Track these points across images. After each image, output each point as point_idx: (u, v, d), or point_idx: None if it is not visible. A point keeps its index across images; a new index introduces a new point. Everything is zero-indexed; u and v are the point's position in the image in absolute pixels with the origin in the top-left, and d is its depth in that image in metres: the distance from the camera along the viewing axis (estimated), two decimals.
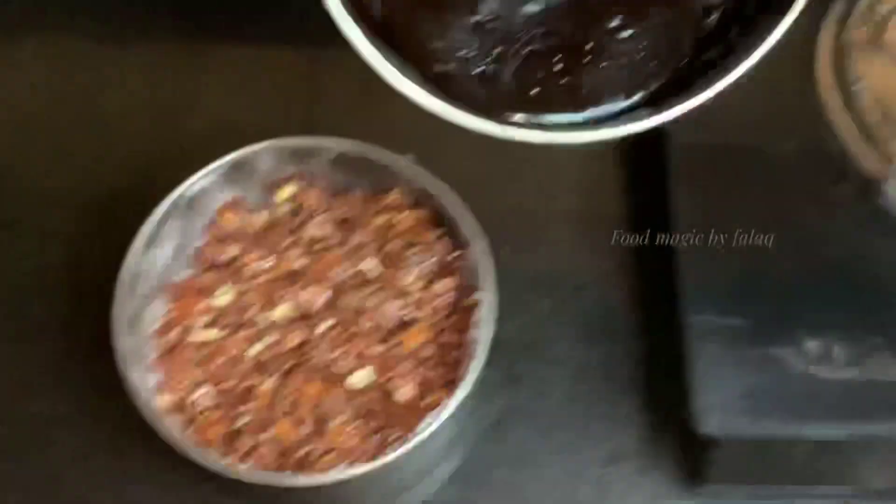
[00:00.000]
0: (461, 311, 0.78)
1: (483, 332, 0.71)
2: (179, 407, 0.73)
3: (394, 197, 0.84)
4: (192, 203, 0.78)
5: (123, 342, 0.69)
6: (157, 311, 0.77)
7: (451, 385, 0.73)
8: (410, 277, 0.80)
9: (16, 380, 0.82)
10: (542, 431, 0.81)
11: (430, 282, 0.80)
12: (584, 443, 0.81)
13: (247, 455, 0.71)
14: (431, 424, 0.67)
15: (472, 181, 0.79)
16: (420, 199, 0.82)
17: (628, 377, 0.85)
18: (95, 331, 0.74)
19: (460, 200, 0.77)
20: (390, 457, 0.66)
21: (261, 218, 0.83)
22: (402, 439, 0.70)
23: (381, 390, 0.74)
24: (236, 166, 0.79)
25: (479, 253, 0.75)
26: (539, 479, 0.80)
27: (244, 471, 0.68)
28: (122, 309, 0.71)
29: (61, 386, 0.82)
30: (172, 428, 0.68)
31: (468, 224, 0.76)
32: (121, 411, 0.71)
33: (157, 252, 0.76)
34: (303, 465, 0.71)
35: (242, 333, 0.76)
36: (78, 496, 0.78)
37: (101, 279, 0.75)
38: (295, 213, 0.84)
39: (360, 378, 0.75)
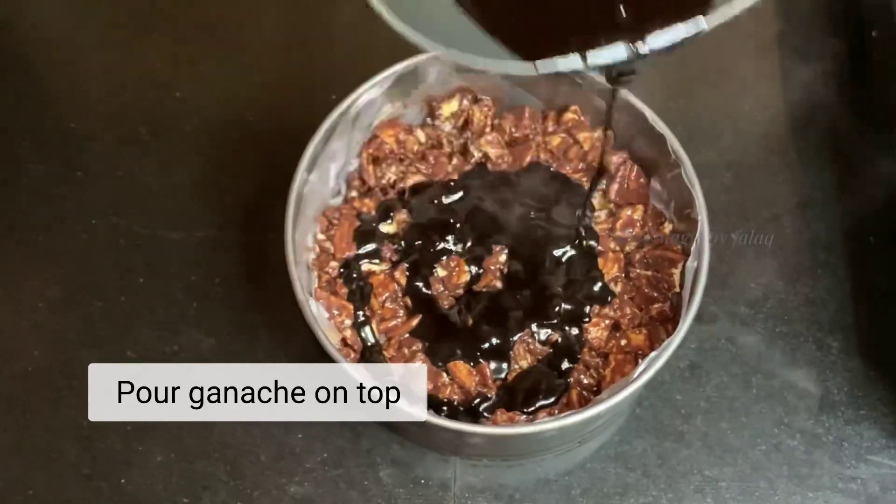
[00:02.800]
0: (654, 241, 0.78)
1: (703, 263, 0.70)
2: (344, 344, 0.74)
3: (572, 115, 0.83)
4: (357, 118, 0.78)
5: (297, 272, 0.70)
6: (319, 237, 0.78)
7: (653, 322, 0.74)
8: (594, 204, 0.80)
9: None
10: (742, 377, 0.80)
11: (617, 209, 0.80)
12: (789, 390, 0.80)
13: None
14: (657, 360, 0.66)
15: (652, 95, 0.77)
16: (601, 118, 0.81)
17: (835, 317, 0.83)
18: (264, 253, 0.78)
19: (659, 118, 0.75)
20: (615, 398, 0.66)
21: (422, 136, 0.83)
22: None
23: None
24: (401, 79, 0.78)
25: (690, 176, 0.74)
26: (741, 428, 0.79)
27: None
28: (291, 233, 0.71)
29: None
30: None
31: (674, 144, 0.75)
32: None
33: (320, 172, 0.77)
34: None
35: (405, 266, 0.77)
36: None
37: (266, 199, 0.78)
38: (460, 131, 0.84)
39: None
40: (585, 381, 0.73)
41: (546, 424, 0.64)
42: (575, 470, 0.75)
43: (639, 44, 0.48)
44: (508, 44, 0.52)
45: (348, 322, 0.74)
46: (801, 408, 0.79)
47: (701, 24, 0.48)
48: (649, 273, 0.77)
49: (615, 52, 0.48)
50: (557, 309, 0.75)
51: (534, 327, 0.75)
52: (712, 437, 0.77)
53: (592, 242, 0.78)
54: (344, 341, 0.74)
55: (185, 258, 0.83)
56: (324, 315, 0.72)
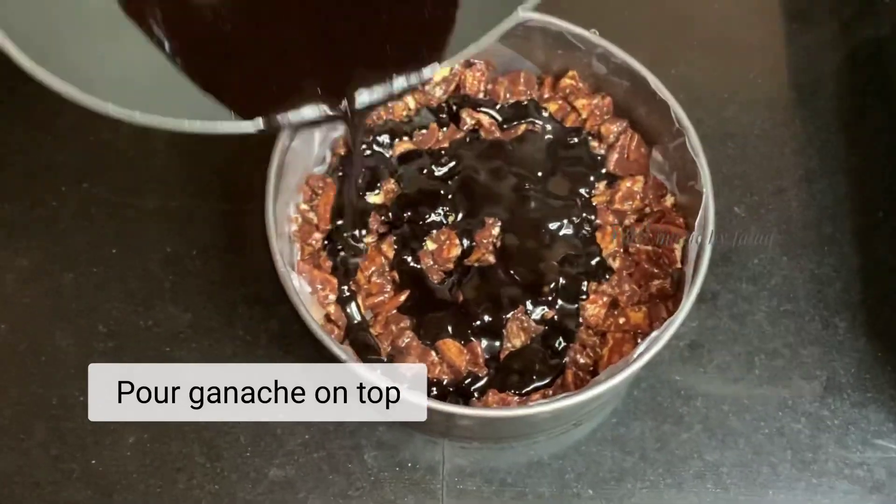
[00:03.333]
0: (655, 215, 0.75)
1: (707, 238, 0.67)
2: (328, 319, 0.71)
3: (569, 80, 0.79)
4: None
5: (279, 244, 0.67)
6: (302, 207, 0.75)
7: (653, 299, 0.71)
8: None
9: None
10: (745, 357, 0.78)
11: (615, 180, 0.77)
12: (793, 371, 0.77)
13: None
14: (657, 341, 0.63)
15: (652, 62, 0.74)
16: (601, 85, 0.77)
17: (842, 294, 0.80)
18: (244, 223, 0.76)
19: (662, 85, 0.71)
20: (614, 380, 0.62)
21: (411, 102, 0.80)
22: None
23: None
24: None
25: (694, 145, 0.70)
26: (743, 410, 0.76)
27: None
28: (272, 204, 0.68)
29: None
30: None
31: (677, 112, 0.71)
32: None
33: (304, 139, 0.73)
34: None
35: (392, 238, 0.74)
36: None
37: (245, 166, 0.76)
38: (451, 96, 0.81)
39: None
40: (582, 361, 0.71)
41: (539, 408, 0.62)
42: (569, 453, 0.73)
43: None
44: (227, 101, 0.49)
45: (332, 297, 0.71)
46: (806, 390, 0.76)
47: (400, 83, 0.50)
48: (649, 248, 0.74)
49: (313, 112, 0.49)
50: (553, 285, 0.72)
51: (528, 304, 0.72)
52: (713, 419, 0.75)
53: (590, 216, 0.75)
54: (328, 317, 0.71)
55: (160, 228, 0.80)
56: (307, 290, 0.69)
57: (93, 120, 0.80)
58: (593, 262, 0.74)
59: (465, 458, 0.72)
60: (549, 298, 0.72)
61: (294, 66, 0.51)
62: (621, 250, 0.74)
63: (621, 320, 0.72)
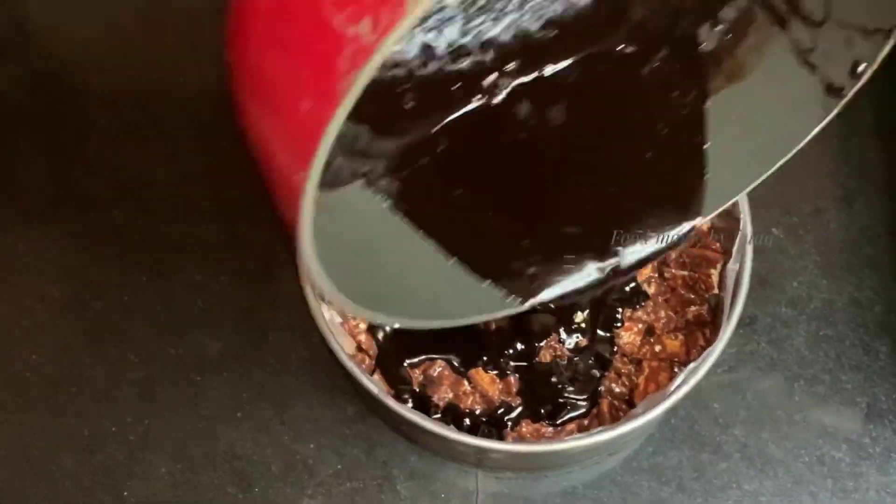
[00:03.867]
0: (690, 240, 0.71)
1: (745, 266, 0.65)
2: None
3: None
4: None
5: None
6: None
7: (690, 326, 0.70)
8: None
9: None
10: (784, 383, 0.76)
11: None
12: (834, 397, 0.76)
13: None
14: (696, 372, 0.62)
15: None
16: None
17: (883, 318, 0.78)
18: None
19: None
20: (651, 413, 0.61)
21: None
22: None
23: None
24: None
25: None
26: (783, 438, 0.74)
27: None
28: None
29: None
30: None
31: None
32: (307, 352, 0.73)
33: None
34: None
35: None
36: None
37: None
38: None
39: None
40: (617, 390, 0.70)
41: (574, 442, 0.61)
42: (604, 483, 0.72)
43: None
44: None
45: (363, 326, 0.70)
46: (847, 416, 0.74)
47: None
48: (685, 273, 0.72)
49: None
50: (586, 312, 0.71)
51: (561, 332, 0.71)
52: (752, 448, 0.73)
53: None
54: (359, 346, 0.70)
55: (190, 254, 0.80)
56: (337, 320, 0.68)
57: (120, 146, 0.81)
58: (628, 289, 0.72)
59: (499, 488, 0.72)
60: (583, 326, 0.71)
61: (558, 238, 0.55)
62: (656, 275, 0.73)
63: (657, 348, 0.70)
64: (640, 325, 0.71)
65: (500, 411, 0.69)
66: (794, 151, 0.53)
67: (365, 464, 0.72)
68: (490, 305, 0.54)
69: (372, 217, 0.51)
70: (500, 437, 0.67)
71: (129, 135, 0.85)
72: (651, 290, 0.72)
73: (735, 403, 0.74)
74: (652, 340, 0.71)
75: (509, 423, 0.68)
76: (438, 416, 0.67)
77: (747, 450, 0.73)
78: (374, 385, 0.62)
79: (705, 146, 0.55)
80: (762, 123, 0.56)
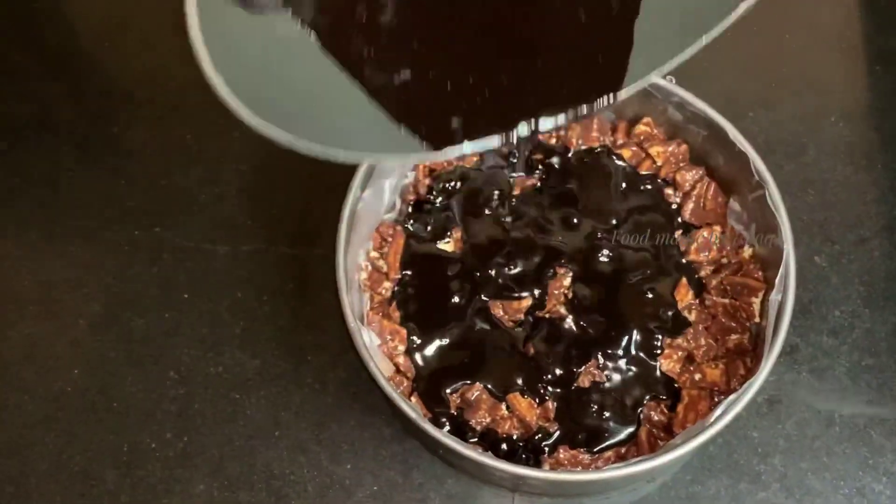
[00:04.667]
0: (732, 267, 0.73)
1: (788, 297, 0.65)
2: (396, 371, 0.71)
3: (644, 127, 0.78)
4: None
5: (348, 296, 0.66)
6: (372, 255, 0.75)
7: (731, 354, 0.70)
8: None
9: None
10: (824, 414, 0.75)
11: (691, 230, 0.75)
12: (875, 429, 0.75)
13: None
14: (736, 403, 0.62)
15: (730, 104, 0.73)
16: (677, 131, 0.76)
17: None
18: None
19: (741, 135, 0.70)
20: (690, 444, 0.61)
21: None
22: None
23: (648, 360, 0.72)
24: None
25: (775, 200, 0.69)
26: (822, 469, 0.74)
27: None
28: (343, 256, 0.67)
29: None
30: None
31: (757, 164, 0.70)
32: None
33: (375, 189, 0.73)
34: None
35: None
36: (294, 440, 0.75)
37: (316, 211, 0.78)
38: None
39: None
40: (656, 419, 0.69)
41: (612, 472, 0.61)
42: None
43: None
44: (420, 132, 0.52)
45: (401, 348, 0.71)
46: (888, 448, 0.74)
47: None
48: (726, 301, 0.72)
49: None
50: (627, 338, 0.70)
51: (601, 358, 0.70)
52: (791, 478, 0.73)
53: (666, 266, 0.74)
54: (397, 368, 0.70)
55: (230, 273, 0.80)
56: (375, 342, 0.69)
57: (165, 165, 0.82)
58: (668, 315, 0.72)
59: None
60: (623, 352, 0.71)
61: (478, 96, 0.53)
62: (697, 303, 0.72)
63: (697, 376, 0.70)
64: (681, 353, 0.71)
65: (537, 437, 0.68)
66: (717, 33, 0.52)
67: (401, 486, 0.72)
68: (400, 147, 0.53)
69: (293, 41, 0.49)
70: (538, 463, 0.67)
71: (173, 153, 0.86)
72: (692, 317, 0.72)
73: (775, 433, 0.74)
74: (692, 368, 0.70)
75: (546, 449, 0.68)
76: (476, 440, 0.67)
77: (786, 480, 0.72)
78: (412, 409, 0.62)
79: (636, 20, 0.54)
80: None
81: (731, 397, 0.61)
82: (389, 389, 0.61)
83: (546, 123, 0.53)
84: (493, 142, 0.53)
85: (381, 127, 0.51)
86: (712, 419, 0.62)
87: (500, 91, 0.52)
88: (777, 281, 0.66)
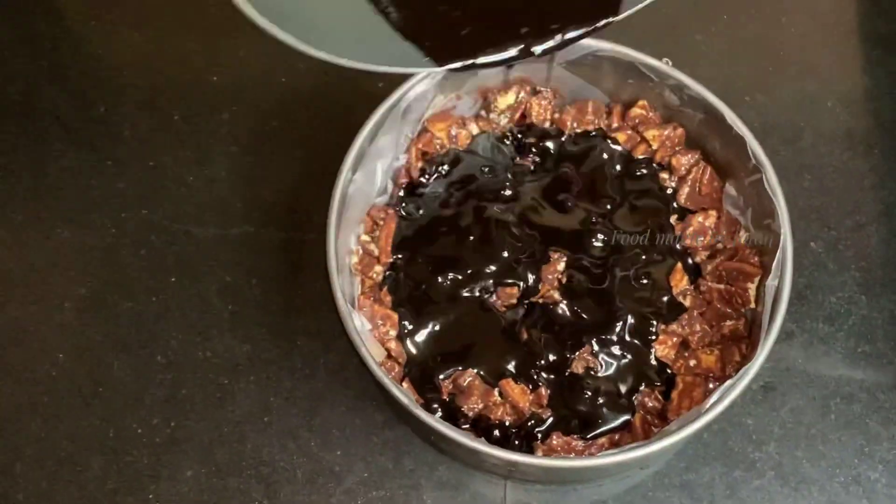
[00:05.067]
0: (728, 252, 0.73)
1: (785, 282, 0.64)
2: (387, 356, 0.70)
3: (639, 110, 0.77)
4: (406, 112, 0.73)
5: (339, 279, 0.66)
6: (363, 239, 0.74)
7: (726, 340, 0.69)
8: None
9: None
10: (820, 401, 0.75)
11: (686, 215, 0.75)
12: (870, 417, 0.74)
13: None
14: (732, 390, 0.62)
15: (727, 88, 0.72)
16: (673, 115, 0.75)
17: None
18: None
19: (738, 119, 0.70)
20: (685, 431, 0.61)
21: (475, 129, 0.79)
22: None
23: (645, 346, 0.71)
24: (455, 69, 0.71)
25: (773, 184, 0.68)
26: (818, 457, 0.74)
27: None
28: (334, 240, 0.66)
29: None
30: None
31: (754, 148, 0.69)
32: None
33: (366, 171, 0.72)
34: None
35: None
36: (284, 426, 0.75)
37: (307, 194, 0.77)
38: (516, 124, 0.79)
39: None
40: (650, 405, 0.69)
41: (606, 458, 0.61)
42: (635, 498, 0.71)
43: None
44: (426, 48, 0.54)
45: (393, 333, 0.70)
46: (884, 436, 0.73)
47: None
48: (722, 287, 0.71)
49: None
50: (620, 324, 0.70)
51: (594, 344, 0.69)
52: (786, 466, 0.72)
53: (660, 251, 0.73)
54: (388, 353, 0.69)
55: (219, 257, 0.80)
56: (367, 327, 0.68)
57: (153, 146, 0.81)
58: (663, 301, 0.71)
59: (528, 499, 0.71)
60: (617, 338, 0.70)
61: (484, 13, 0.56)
62: (692, 288, 0.72)
63: (692, 363, 0.70)
64: (675, 339, 0.70)
65: (530, 423, 0.68)
66: None
67: (392, 472, 0.71)
68: (404, 61, 0.55)
69: None
70: (531, 449, 0.66)
71: (162, 135, 0.85)
72: (687, 302, 0.71)
73: (770, 420, 0.73)
74: (687, 355, 0.70)
75: (539, 435, 0.67)
76: (468, 426, 0.66)
77: (781, 468, 0.72)
78: (404, 395, 0.61)
79: None
80: None
81: (727, 384, 0.61)
82: (381, 374, 0.61)
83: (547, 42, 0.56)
84: (511, 51, 0.56)
85: (389, 43, 0.52)
86: (707, 406, 0.61)
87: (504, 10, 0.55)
88: (774, 266, 0.65)
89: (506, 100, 0.77)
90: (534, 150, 0.77)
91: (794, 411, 0.74)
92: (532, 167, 0.76)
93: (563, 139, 0.77)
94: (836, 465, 0.72)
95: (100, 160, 0.84)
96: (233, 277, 0.78)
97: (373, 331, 0.69)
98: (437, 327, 0.70)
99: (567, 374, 0.69)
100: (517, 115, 0.78)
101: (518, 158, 0.76)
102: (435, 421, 0.60)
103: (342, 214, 0.68)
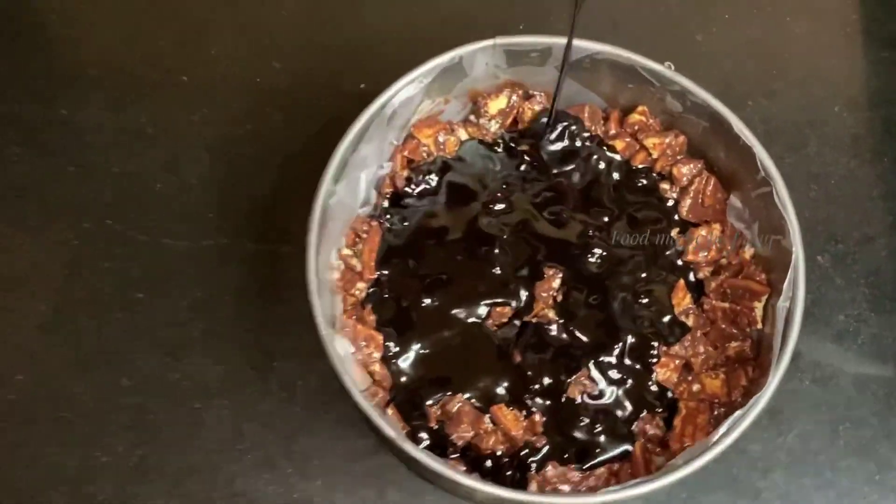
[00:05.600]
0: (733, 269, 0.70)
1: (797, 304, 0.61)
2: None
3: (639, 116, 0.73)
4: (392, 118, 0.69)
5: (320, 299, 0.62)
6: (345, 253, 0.70)
7: (731, 363, 0.66)
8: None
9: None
10: (829, 425, 0.72)
11: (688, 228, 0.72)
12: (882, 443, 0.72)
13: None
14: (741, 421, 0.59)
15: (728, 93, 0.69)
16: (675, 122, 0.72)
17: None
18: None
19: (746, 127, 0.66)
20: (691, 466, 0.58)
21: (464, 135, 0.75)
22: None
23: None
24: (444, 72, 0.69)
25: (783, 198, 0.65)
26: (826, 486, 0.71)
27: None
28: (314, 257, 0.62)
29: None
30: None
31: (763, 159, 0.66)
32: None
33: (349, 181, 0.68)
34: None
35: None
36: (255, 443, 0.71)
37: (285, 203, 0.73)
38: (508, 130, 0.75)
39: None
40: (651, 432, 0.66)
41: (606, 496, 0.58)
42: None
43: None
44: None
45: (377, 355, 0.66)
46: None
47: None
48: (726, 305, 0.68)
49: None
50: (620, 346, 0.67)
51: (592, 367, 0.66)
52: (794, 495, 0.70)
53: (661, 268, 0.70)
54: (372, 377, 0.66)
55: (190, 271, 0.75)
56: (349, 350, 0.65)
57: (119, 151, 0.76)
58: (664, 320, 0.68)
59: None
60: (616, 361, 0.67)
61: None
62: (695, 307, 0.69)
63: (695, 387, 0.67)
64: (678, 361, 0.67)
65: (523, 452, 0.65)
66: None
67: None
68: None
69: None
70: (524, 480, 0.63)
71: (128, 138, 0.81)
72: (689, 322, 0.68)
73: (776, 446, 0.71)
74: (690, 378, 0.67)
75: (534, 465, 0.64)
76: (457, 455, 0.64)
77: (788, 497, 0.70)
78: (390, 426, 0.58)
79: None
80: None
81: (736, 414, 0.58)
82: (365, 405, 0.58)
83: None
84: None
85: None
86: (716, 438, 0.59)
87: None
88: (785, 287, 0.62)
89: (497, 104, 0.74)
90: (527, 157, 0.73)
91: (802, 437, 0.71)
92: (524, 176, 0.73)
93: (558, 146, 0.74)
94: (846, 493, 0.70)
95: (61, 165, 0.79)
96: (205, 293, 0.75)
97: (355, 353, 0.65)
98: (424, 349, 0.67)
99: (563, 399, 0.66)
100: (509, 121, 0.74)
101: (510, 167, 0.72)
102: (422, 454, 0.57)
103: (323, 228, 0.64)
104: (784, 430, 0.71)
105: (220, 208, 0.78)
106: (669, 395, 0.67)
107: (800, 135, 0.82)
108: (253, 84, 0.83)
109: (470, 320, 0.67)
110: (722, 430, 0.59)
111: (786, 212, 0.64)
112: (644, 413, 0.66)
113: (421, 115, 0.72)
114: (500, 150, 0.74)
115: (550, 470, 0.64)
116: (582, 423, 0.66)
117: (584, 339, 0.67)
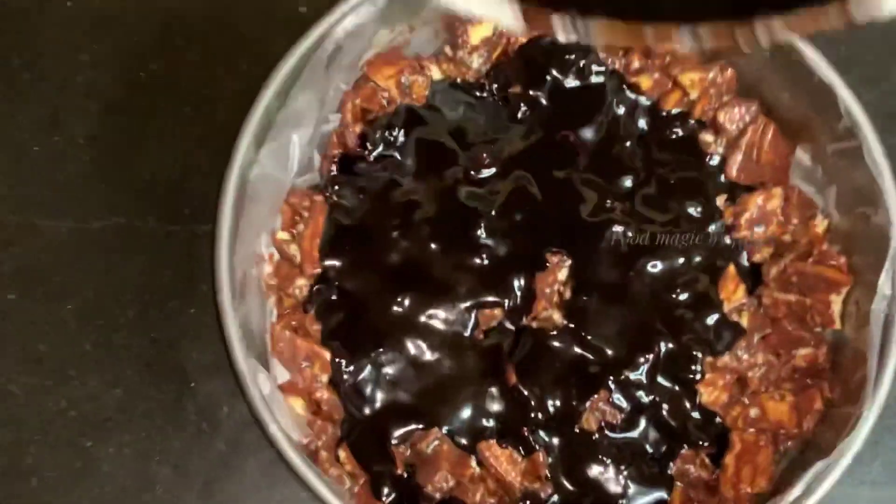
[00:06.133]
0: (801, 248, 0.59)
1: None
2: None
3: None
4: (335, 56, 0.56)
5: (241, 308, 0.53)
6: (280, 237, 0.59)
7: (802, 379, 0.56)
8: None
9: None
10: None
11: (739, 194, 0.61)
12: None
13: None
14: (831, 470, 0.49)
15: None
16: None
17: None
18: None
19: (824, 60, 0.55)
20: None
21: (437, 73, 0.63)
22: None
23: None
24: None
25: (874, 154, 0.54)
26: None
27: None
28: (227, 250, 0.53)
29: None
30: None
31: (846, 100, 0.55)
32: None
33: (277, 145, 0.56)
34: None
35: None
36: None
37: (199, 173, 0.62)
38: (495, 71, 0.62)
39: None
40: (694, 474, 0.55)
41: None
42: None
43: None
44: None
45: (324, 378, 0.56)
46: None
47: None
48: (792, 298, 0.58)
49: None
50: (650, 358, 0.55)
51: (612, 388, 0.56)
52: None
53: (704, 249, 0.59)
54: (318, 406, 0.56)
55: (78, 262, 0.64)
56: (284, 376, 0.55)
57: None
58: (710, 322, 0.57)
59: None
60: (645, 379, 0.56)
61: None
62: (750, 301, 0.58)
63: (753, 412, 0.56)
64: (728, 377, 0.57)
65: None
66: None
67: None
68: None
69: None
70: None
71: None
72: (744, 322, 0.58)
73: (858, 492, 0.58)
74: (746, 400, 0.57)
75: None
76: None
77: None
78: (332, 490, 0.49)
79: None
80: None
81: (818, 465, 0.48)
82: (298, 462, 0.49)
83: None
84: None
85: None
86: (793, 496, 0.48)
87: None
88: (881, 282, 0.51)
89: (480, 31, 0.62)
90: (522, 104, 0.61)
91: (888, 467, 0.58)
92: (521, 129, 0.61)
93: (562, 87, 0.62)
94: None
95: None
96: (97, 292, 0.63)
97: (294, 377, 0.55)
98: (386, 367, 0.57)
99: (575, 431, 0.56)
100: (496, 54, 0.63)
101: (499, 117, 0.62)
102: None
103: (241, 209, 0.54)
104: (867, 461, 0.57)
105: (116, 178, 0.67)
106: (718, 422, 0.56)
107: (880, 64, 0.69)
108: (159, 10, 0.71)
109: (448, 328, 0.57)
110: (801, 484, 0.48)
111: (879, 175, 0.52)
112: (684, 449, 0.56)
113: (378, 48, 0.61)
114: (484, 94, 0.63)
115: None
116: (601, 464, 0.56)
117: (602, 349, 0.57)
